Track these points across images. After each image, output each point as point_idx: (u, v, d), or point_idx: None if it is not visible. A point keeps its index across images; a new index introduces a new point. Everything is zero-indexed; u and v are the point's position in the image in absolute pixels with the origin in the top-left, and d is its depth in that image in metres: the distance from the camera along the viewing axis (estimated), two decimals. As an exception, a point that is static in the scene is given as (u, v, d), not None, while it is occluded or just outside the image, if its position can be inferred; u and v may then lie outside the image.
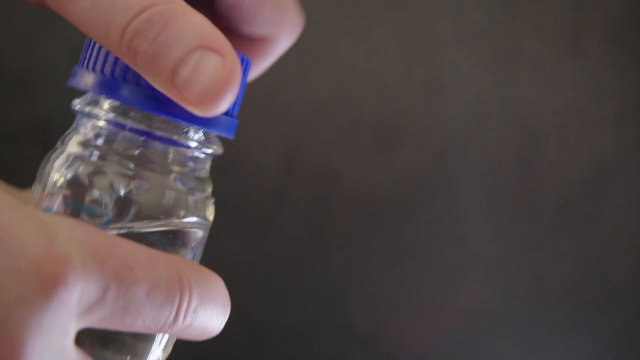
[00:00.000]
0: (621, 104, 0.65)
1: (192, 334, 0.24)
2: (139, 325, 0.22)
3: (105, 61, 0.24)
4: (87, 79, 0.25)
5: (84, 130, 0.26)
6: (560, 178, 0.65)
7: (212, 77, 0.22)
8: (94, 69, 0.25)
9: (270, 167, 0.62)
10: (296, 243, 0.63)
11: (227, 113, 0.26)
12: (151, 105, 0.24)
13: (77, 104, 0.26)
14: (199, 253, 0.28)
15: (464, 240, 0.65)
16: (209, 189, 0.28)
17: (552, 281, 0.66)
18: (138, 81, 0.24)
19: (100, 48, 0.24)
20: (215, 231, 0.62)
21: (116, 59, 0.24)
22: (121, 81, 0.24)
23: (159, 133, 0.25)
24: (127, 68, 0.24)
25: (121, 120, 0.25)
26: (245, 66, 0.26)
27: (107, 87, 0.24)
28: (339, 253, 0.64)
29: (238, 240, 0.62)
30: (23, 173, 0.65)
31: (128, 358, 0.25)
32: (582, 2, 0.64)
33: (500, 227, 0.65)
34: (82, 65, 0.25)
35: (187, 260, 0.25)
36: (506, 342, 0.66)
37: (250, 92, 0.66)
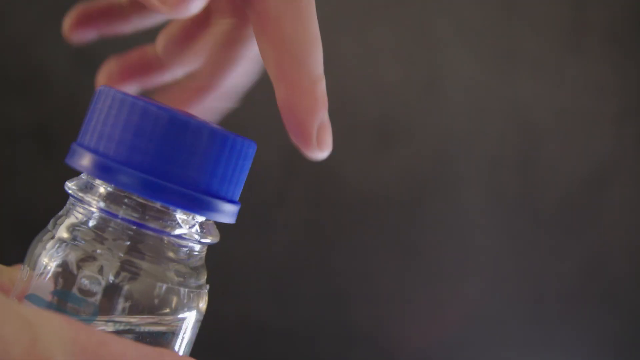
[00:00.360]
0: (621, 104, 0.65)
1: None
2: None
3: (105, 140, 0.24)
4: (84, 159, 0.24)
5: (76, 214, 0.25)
6: (560, 178, 0.65)
7: None
8: (92, 149, 0.24)
9: (271, 166, 0.62)
10: (296, 243, 0.63)
11: (229, 200, 0.26)
12: (149, 192, 0.24)
13: (70, 187, 0.25)
14: (189, 344, 0.28)
15: (464, 240, 0.65)
16: (204, 278, 0.27)
17: (551, 280, 0.66)
18: (137, 166, 0.23)
19: (98, 126, 0.24)
20: (215, 231, 0.62)
21: (117, 141, 0.24)
22: (120, 165, 0.23)
23: (152, 224, 0.25)
24: (127, 151, 0.24)
25: (114, 209, 0.24)
26: (251, 150, 0.26)
27: (105, 170, 0.24)
28: (339, 253, 0.64)
29: (238, 240, 0.62)
30: (23, 173, 0.65)
31: None
32: (582, 2, 0.65)
33: (501, 227, 0.65)
34: (81, 144, 0.25)
35: (177, 355, 0.25)
36: (506, 342, 0.66)
37: (250, 92, 0.66)
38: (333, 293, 0.64)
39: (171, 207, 0.25)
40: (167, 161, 0.24)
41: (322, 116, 0.28)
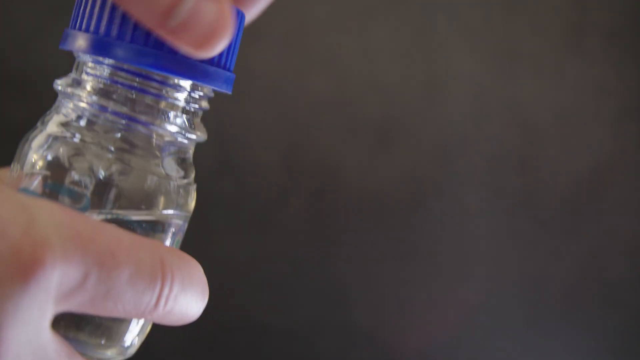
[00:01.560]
0: (621, 104, 0.65)
1: (172, 319, 0.24)
2: (119, 310, 0.22)
3: (96, 20, 0.24)
4: (77, 40, 0.24)
5: (65, 110, 0.25)
6: (560, 178, 0.65)
7: (210, 16, 0.22)
8: (84, 30, 0.24)
9: (271, 166, 0.62)
10: (297, 243, 0.63)
11: (223, 66, 0.25)
12: (144, 60, 0.24)
13: (59, 84, 0.26)
14: (179, 239, 0.28)
15: (465, 240, 0.65)
16: (192, 175, 0.28)
17: (552, 281, 0.66)
18: (131, 39, 0.23)
19: (87, 8, 0.24)
20: (215, 231, 0.62)
21: (108, 17, 0.23)
22: (113, 39, 0.23)
23: (142, 117, 0.25)
24: (119, 27, 0.23)
25: (103, 102, 0.24)
26: (240, 20, 0.26)
27: (100, 45, 0.24)
28: (339, 252, 0.64)
29: (238, 240, 0.62)
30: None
31: (103, 340, 0.25)
32: (583, 2, 0.64)
33: (501, 227, 0.65)
34: (74, 27, 0.25)
35: (168, 246, 0.25)
36: (506, 342, 0.66)
37: (250, 92, 0.66)
38: (333, 293, 0.64)
39: (169, 75, 0.25)
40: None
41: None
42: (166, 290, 0.23)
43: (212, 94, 0.27)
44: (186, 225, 0.28)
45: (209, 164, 0.61)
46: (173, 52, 0.24)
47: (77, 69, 0.26)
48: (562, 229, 0.65)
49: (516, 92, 0.64)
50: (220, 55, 0.25)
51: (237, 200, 0.62)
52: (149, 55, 0.23)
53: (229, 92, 0.26)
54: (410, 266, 0.64)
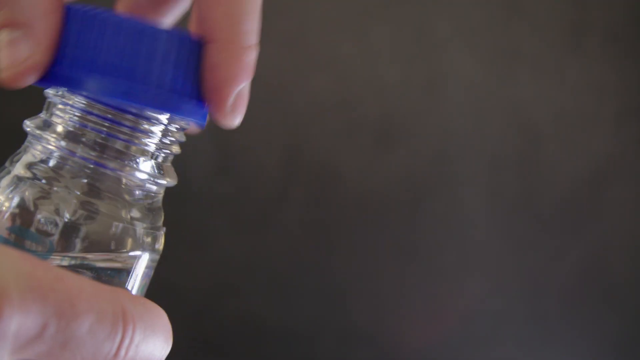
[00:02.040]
0: (621, 104, 0.65)
1: None
2: (80, 358, 0.22)
3: (67, 57, 0.24)
4: (50, 76, 0.24)
5: (34, 152, 0.25)
6: (560, 178, 0.65)
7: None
8: (56, 67, 0.24)
9: (271, 167, 0.62)
10: (297, 243, 0.63)
11: (197, 99, 0.25)
12: (119, 93, 0.23)
13: (28, 125, 0.25)
14: (145, 285, 0.28)
15: (465, 240, 0.65)
16: (160, 220, 0.27)
17: (552, 281, 0.66)
18: (103, 72, 0.23)
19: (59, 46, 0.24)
20: (215, 231, 0.62)
21: (78, 55, 0.23)
22: (86, 72, 0.23)
23: (110, 163, 0.24)
24: (91, 62, 0.23)
25: (71, 146, 0.24)
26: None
27: (72, 80, 0.24)
28: (339, 253, 0.64)
29: (238, 240, 0.62)
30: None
31: None
32: (583, 2, 0.65)
33: (501, 227, 0.65)
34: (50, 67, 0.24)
35: (132, 294, 0.25)
36: (506, 342, 0.66)
37: (250, 92, 0.66)
38: (333, 293, 0.64)
39: (143, 109, 0.24)
40: (132, 66, 0.24)
41: (244, 85, 0.28)
42: (127, 341, 0.23)
43: (183, 139, 0.27)
44: (152, 272, 0.28)
45: (209, 165, 0.61)
46: (147, 84, 0.24)
47: (47, 110, 0.25)
48: (562, 229, 0.65)
49: (516, 92, 0.64)
50: (192, 88, 0.25)
51: (236, 201, 0.62)
52: (123, 90, 0.23)
53: (203, 126, 0.26)
54: (410, 266, 0.64)
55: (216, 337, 0.63)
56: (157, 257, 0.28)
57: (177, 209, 0.61)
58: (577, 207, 0.65)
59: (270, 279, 0.63)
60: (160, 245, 0.27)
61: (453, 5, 0.64)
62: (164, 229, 0.28)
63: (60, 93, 0.25)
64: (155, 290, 0.61)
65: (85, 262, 0.24)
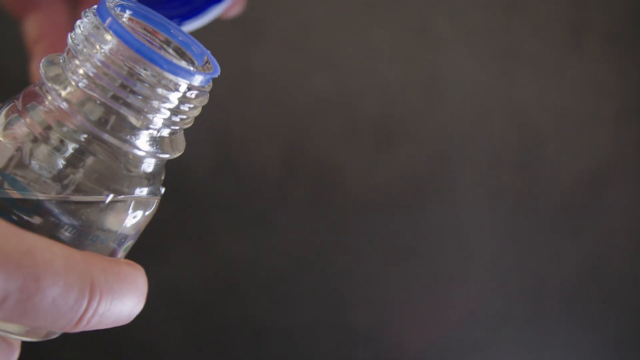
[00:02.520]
0: (621, 104, 0.65)
1: (97, 328, 0.25)
2: (37, 324, 0.23)
3: None
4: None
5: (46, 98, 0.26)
6: (560, 178, 0.65)
7: None
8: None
9: (271, 166, 0.62)
10: (296, 243, 0.63)
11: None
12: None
13: (41, 70, 0.26)
14: (129, 246, 0.28)
15: (464, 240, 0.65)
16: (158, 186, 0.28)
17: (552, 281, 0.66)
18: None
19: None
20: (215, 231, 0.62)
21: None
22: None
23: (109, 137, 0.25)
24: None
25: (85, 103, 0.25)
26: None
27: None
28: (339, 253, 0.64)
29: (238, 240, 0.62)
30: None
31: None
32: (582, 2, 0.65)
33: (501, 227, 0.65)
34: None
35: (107, 260, 0.25)
36: (506, 342, 0.66)
37: (251, 91, 0.66)
38: (333, 293, 0.64)
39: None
40: None
41: None
42: (90, 312, 0.24)
43: (204, 102, 0.27)
44: (138, 234, 0.28)
45: (210, 164, 0.61)
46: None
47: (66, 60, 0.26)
48: (562, 229, 0.65)
49: (516, 92, 0.64)
50: None
51: (237, 200, 0.62)
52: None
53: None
54: (410, 266, 0.64)
55: (216, 337, 0.63)
56: (141, 223, 0.28)
57: (178, 208, 0.61)
58: (577, 207, 0.65)
59: (270, 279, 0.63)
60: (151, 210, 0.28)
61: (453, 6, 0.64)
62: (161, 193, 0.28)
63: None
64: (155, 290, 0.61)
65: (71, 206, 0.25)
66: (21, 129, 0.25)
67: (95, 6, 0.25)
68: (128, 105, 0.24)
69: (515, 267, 0.65)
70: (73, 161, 0.25)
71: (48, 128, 0.25)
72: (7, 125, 0.26)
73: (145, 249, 0.64)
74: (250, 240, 0.62)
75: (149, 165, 0.27)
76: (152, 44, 0.26)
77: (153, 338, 0.62)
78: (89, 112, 0.25)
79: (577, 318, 0.66)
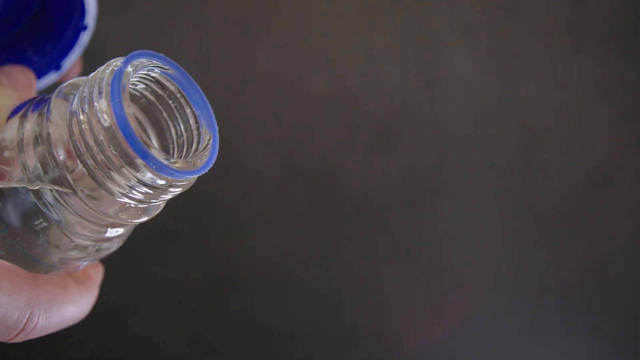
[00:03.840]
0: (621, 104, 0.65)
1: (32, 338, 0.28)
2: None
3: None
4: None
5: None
6: (560, 178, 0.65)
7: None
8: None
9: (270, 167, 0.62)
10: (296, 243, 0.63)
11: None
12: None
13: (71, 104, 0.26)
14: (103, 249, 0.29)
15: (464, 240, 0.65)
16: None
17: (552, 281, 0.66)
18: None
19: None
20: (215, 231, 0.62)
21: None
22: None
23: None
24: None
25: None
26: None
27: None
28: (338, 253, 0.64)
29: (238, 240, 0.62)
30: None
31: None
32: (582, 2, 0.64)
33: (501, 227, 0.65)
34: None
35: (54, 287, 0.28)
36: (506, 342, 0.66)
37: (250, 92, 0.66)
38: (332, 293, 0.64)
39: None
40: None
41: None
42: (22, 335, 0.27)
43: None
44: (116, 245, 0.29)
45: (209, 164, 0.61)
46: None
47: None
48: (562, 229, 0.65)
49: (516, 92, 0.64)
50: None
51: (236, 200, 0.62)
52: None
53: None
54: (410, 266, 0.64)
55: (215, 337, 0.63)
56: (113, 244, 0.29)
57: (177, 208, 0.61)
58: (577, 207, 0.65)
59: (270, 279, 0.63)
60: (123, 234, 0.29)
61: (453, 5, 0.63)
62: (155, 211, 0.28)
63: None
64: (154, 289, 0.61)
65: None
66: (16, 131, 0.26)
67: (119, 64, 0.25)
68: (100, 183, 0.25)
69: (515, 268, 0.65)
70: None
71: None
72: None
73: (145, 249, 0.64)
74: (249, 240, 0.62)
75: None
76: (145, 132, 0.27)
77: (152, 337, 0.62)
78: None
79: (576, 319, 0.66)
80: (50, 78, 0.34)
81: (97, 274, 0.32)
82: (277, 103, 0.62)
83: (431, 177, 0.64)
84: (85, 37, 0.34)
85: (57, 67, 0.34)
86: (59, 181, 0.25)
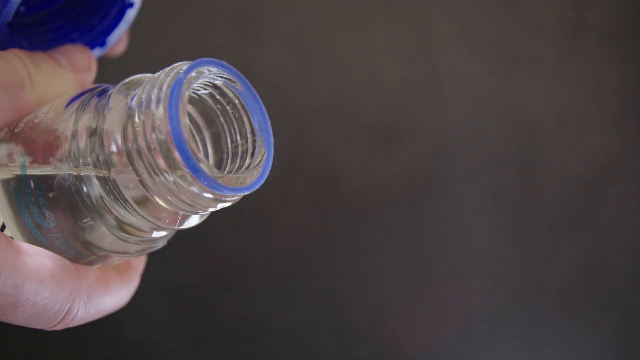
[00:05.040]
0: (621, 104, 0.65)
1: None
2: (18, 323, 0.27)
3: None
4: None
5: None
6: (560, 178, 0.65)
7: None
8: None
9: (271, 166, 0.62)
10: (296, 243, 0.63)
11: None
12: None
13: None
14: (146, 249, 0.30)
15: (464, 240, 0.65)
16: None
17: (552, 281, 0.66)
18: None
19: None
20: (215, 231, 0.62)
21: None
22: None
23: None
24: None
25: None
26: None
27: None
28: (338, 253, 0.64)
29: (238, 240, 0.62)
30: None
31: None
32: (582, 2, 0.64)
33: (501, 227, 0.65)
34: None
35: (95, 278, 0.28)
36: (506, 342, 0.66)
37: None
38: (332, 293, 0.64)
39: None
40: None
41: None
42: (60, 325, 0.27)
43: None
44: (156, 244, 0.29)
45: (209, 164, 0.61)
46: None
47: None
48: (562, 229, 0.65)
49: (516, 92, 0.64)
50: None
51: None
52: None
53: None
54: (410, 265, 0.64)
55: (216, 337, 0.63)
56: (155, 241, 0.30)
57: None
58: (577, 207, 0.65)
59: (270, 279, 0.63)
60: (159, 239, 0.30)
61: (453, 5, 0.63)
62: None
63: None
64: (154, 289, 0.61)
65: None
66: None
67: (182, 70, 0.25)
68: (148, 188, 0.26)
69: (515, 267, 0.65)
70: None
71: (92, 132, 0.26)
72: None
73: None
74: (249, 240, 0.62)
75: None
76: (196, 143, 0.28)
77: (152, 337, 0.62)
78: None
79: (576, 317, 0.66)
80: (95, 54, 0.34)
81: (139, 264, 0.32)
82: (277, 103, 0.62)
83: (431, 177, 0.64)
84: (131, 14, 0.33)
85: (102, 44, 0.33)
86: (107, 181, 0.25)
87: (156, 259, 0.61)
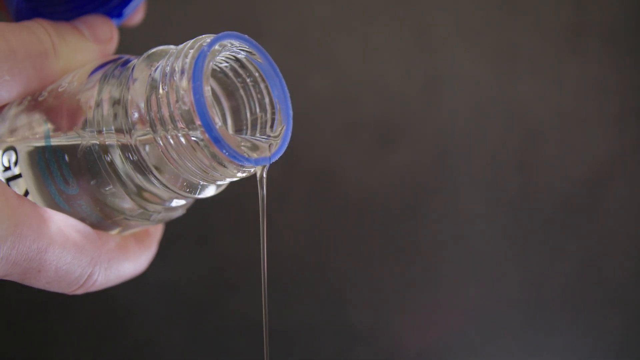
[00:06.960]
0: (621, 104, 0.65)
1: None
2: (41, 287, 0.27)
3: None
4: None
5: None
6: (560, 178, 0.65)
7: None
8: None
9: (270, 166, 0.62)
10: (296, 243, 0.63)
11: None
12: None
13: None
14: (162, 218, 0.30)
15: (464, 240, 0.65)
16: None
17: (552, 281, 0.66)
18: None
19: None
20: (215, 231, 0.62)
21: None
22: None
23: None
24: None
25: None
26: None
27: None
28: (338, 253, 0.64)
29: (238, 240, 0.62)
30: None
31: None
32: (582, 2, 0.65)
33: (501, 227, 0.65)
34: None
35: (115, 245, 0.29)
36: (506, 342, 0.66)
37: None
38: (332, 293, 0.64)
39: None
40: None
41: None
42: (81, 290, 0.28)
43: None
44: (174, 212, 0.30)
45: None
46: None
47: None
48: (562, 229, 0.65)
49: (516, 92, 0.64)
50: None
51: (236, 200, 0.62)
52: None
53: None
54: (410, 266, 0.64)
55: (215, 337, 0.63)
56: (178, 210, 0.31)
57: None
58: (577, 207, 0.65)
59: (270, 279, 0.63)
60: (182, 205, 0.30)
61: (453, 5, 0.63)
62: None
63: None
64: (155, 289, 0.61)
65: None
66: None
67: (205, 42, 0.26)
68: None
69: (515, 268, 0.65)
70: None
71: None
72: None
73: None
74: (250, 240, 0.62)
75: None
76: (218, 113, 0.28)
77: (152, 337, 0.62)
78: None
79: (577, 318, 0.66)
80: None
81: (157, 231, 0.33)
82: (277, 103, 0.62)
83: (431, 176, 0.64)
84: None
85: (119, 15, 0.33)
86: (129, 149, 0.25)
87: (157, 260, 0.60)
